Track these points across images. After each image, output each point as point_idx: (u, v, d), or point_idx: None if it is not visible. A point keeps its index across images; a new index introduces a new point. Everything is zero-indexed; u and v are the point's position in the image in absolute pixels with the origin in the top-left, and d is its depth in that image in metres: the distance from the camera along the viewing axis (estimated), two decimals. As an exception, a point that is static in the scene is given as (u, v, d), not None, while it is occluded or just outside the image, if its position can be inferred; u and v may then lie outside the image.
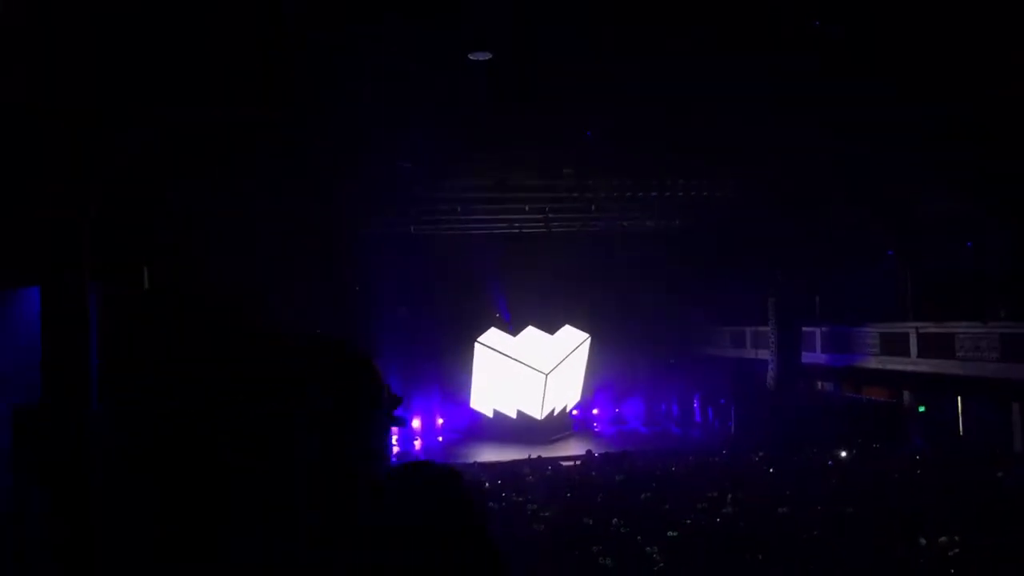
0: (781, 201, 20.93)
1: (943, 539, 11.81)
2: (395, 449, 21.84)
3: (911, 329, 22.45)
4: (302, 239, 18.44)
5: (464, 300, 27.19)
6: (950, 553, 11.37)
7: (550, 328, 27.42)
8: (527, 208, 21.76)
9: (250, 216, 15.67)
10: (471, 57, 10.60)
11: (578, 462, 20.75)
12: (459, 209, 21.06)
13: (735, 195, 21.29)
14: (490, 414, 27.47)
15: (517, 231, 24.41)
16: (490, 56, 10.50)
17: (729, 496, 14.69)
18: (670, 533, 11.97)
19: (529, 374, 25.68)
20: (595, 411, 30.43)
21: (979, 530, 12.10)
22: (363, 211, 20.19)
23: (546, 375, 25.38)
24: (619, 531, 12.45)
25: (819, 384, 29.19)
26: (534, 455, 21.31)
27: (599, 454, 21.31)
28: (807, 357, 25.72)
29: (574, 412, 29.52)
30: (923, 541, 11.79)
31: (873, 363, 23.85)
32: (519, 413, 26.65)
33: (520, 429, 26.13)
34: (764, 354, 26.66)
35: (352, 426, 1.99)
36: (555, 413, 27.31)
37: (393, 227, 22.65)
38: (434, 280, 25.92)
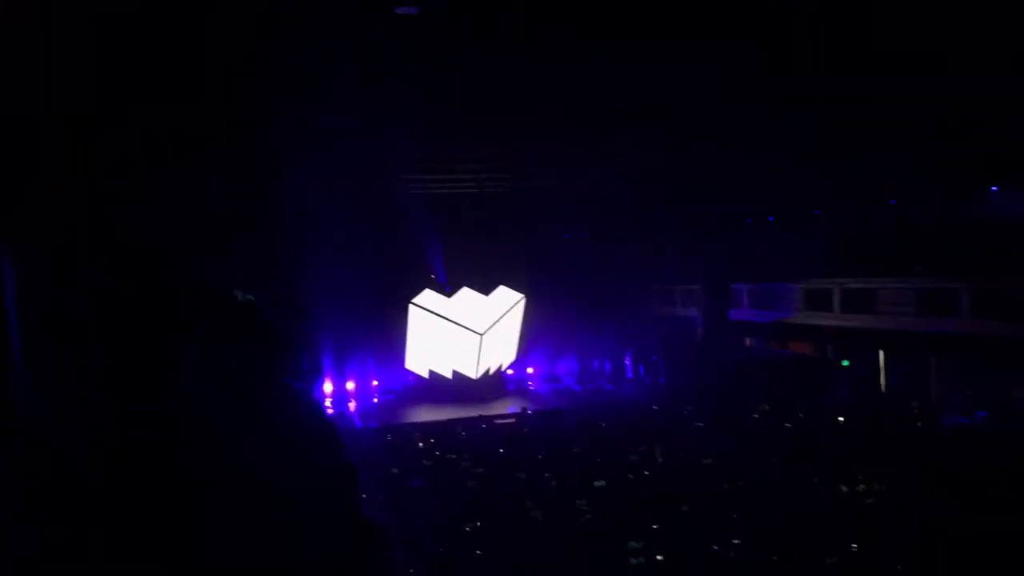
0: (714, 167, 21.05)
1: (862, 487, 12.30)
2: (329, 412, 21.74)
3: (834, 285, 23.02)
4: (236, 206, 18.03)
5: (398, 261, 26.99)
6: (868, 501, 11.86)
7: (485, 289, 27.45)
8: (461, 169, 21.63)
9: (184, 185, 15.29)
10: (397, 11, 10.40)
11: (512, 420, 20.97)
12: (397, 173, 20.86)
13: (666, 158, 21.31)
14: (425, 375, 27.49)
15: (452, 192, 24.29)
16: (417, 11, 10.31)
17: (658, 449, 15.03)
18: (596, 483, 12.24)
19: (464, 334, 25.73)
20: (530, 370, 30.67)
21: (898, 477, 12.61)
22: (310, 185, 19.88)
23: (481, 335, 25.45)
24: (550, 485, 12.67)
25: (746, 340, 29.85)
26: (470, 414, 21.45)
27: (533, 411, 21.56)
28: (735, 313, 26.25)
29: (509, 371, 29.72)
30: (844, 489, 12.25)
31: (798, 319, 24.45)
32: (455, 373, 26.72)
33: (456, 389, 26.23)
34: (693, 312, 27.14)
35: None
36: (490, 372, 27.45)
37: (330, 191, 22.32)
38: (368, 242, 25.62)
